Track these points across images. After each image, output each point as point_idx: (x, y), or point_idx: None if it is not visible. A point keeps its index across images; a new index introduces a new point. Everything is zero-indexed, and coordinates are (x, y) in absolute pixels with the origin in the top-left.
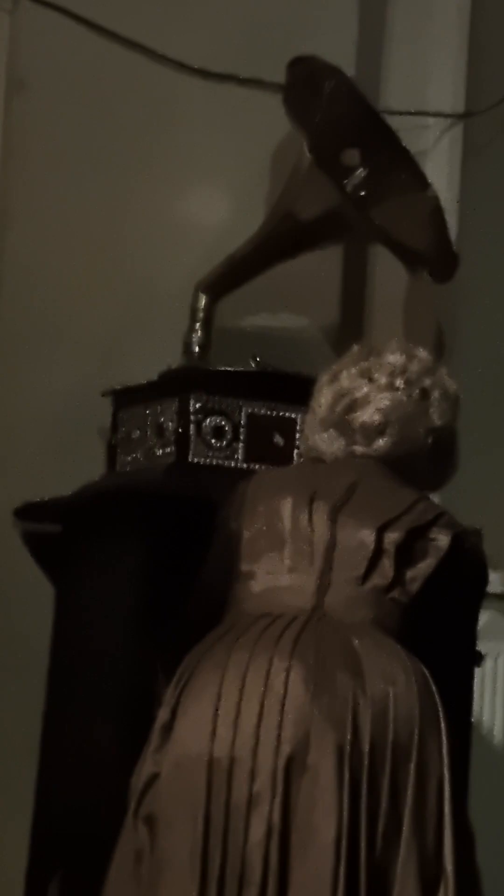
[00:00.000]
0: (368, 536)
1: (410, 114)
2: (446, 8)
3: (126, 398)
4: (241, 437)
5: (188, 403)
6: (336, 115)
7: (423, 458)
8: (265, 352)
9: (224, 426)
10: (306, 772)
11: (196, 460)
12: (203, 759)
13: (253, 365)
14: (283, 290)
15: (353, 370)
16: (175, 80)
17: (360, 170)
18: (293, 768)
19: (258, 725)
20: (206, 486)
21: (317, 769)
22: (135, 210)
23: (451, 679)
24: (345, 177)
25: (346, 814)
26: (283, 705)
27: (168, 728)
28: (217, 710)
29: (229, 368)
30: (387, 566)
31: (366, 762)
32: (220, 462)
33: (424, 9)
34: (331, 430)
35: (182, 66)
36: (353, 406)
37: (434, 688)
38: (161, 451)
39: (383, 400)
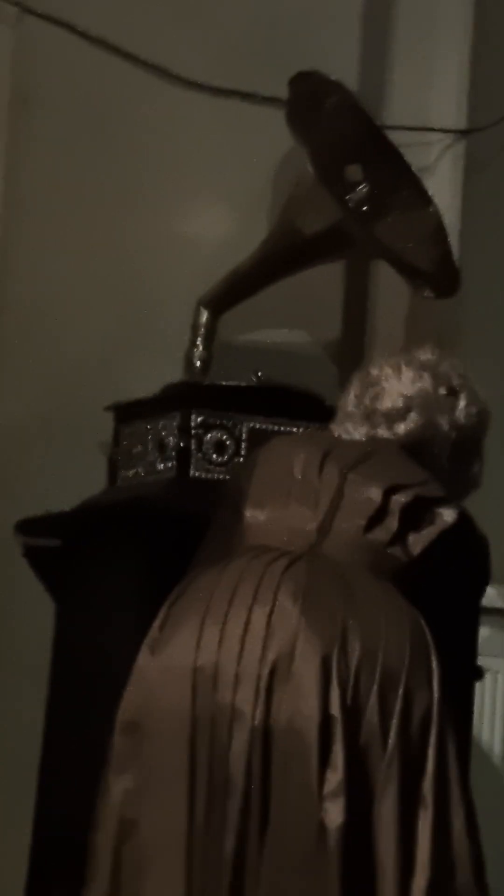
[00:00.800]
0: (376, 494)
1: (413, 129)
2: (449, 24)
3: (127, 413)
4: (243, 452)
5: (189, 418)
6: (338, 130)
7: (443, 457)
8: (267, 367)
9: (225, 441)
10: (289, 681)
11: (197, 475)
12: (188, 668)
13: (254, 380)
14: (285, 305)
15: (383, 364)
16: (178, 95)
17: (363, 185)
18: (277, 676)
19: (244, 635)
20: (207, 502)
21: (300, 677)
22: (137, 225)
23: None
24: (347, 192)
25: (332, 727)
26: (270, 616)
27: (155, 641)
28: (204, 621)
29: (231, 383)
30: (390, 523)
31: (352, 679)
32: (221, 477)
33: (427, 25)
34: (356, 421)
35: (185, 82)
36: (380, 395)
37: (425, 627)
38: (162, 465)
39: (409, 387)
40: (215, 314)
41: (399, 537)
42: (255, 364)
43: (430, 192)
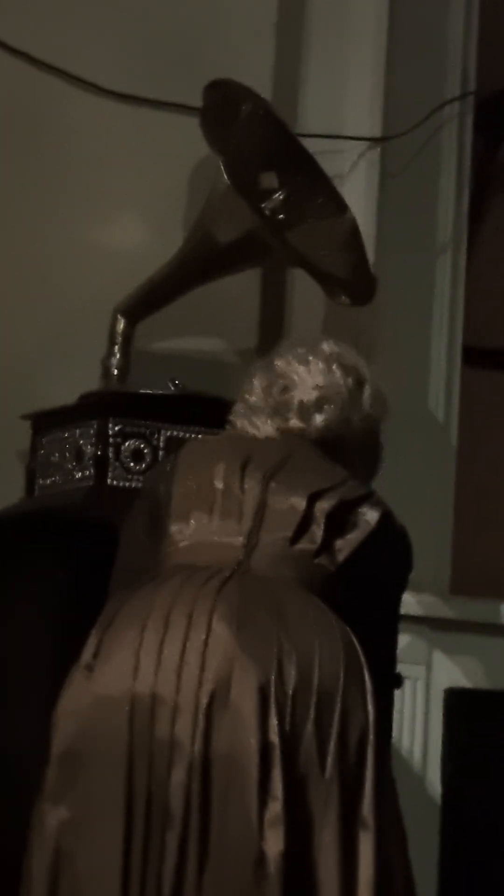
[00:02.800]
0: (299, 502)
1: (328, 137)
2: (363, 32)
3: (45, 422)
4: (160, 461)
5: (107, 427)
6: (253, 138)
7: (353, 448)
8: (184, 375)
9: (143, 449)
10: (227, 709)
11: (115, 483)
12: (125, 697)
13: (171, 388)
14: (202, 313)
15: (289, 356)
16: (93, 102)
17: (278, 193)
18: (215, 706)
19: (181, 663)
20: (125, 510)
21: (238, 706)
22: (53, 233)
23: (373, 657)
24: (262, 200)
25: (270, 755)
26: (206, 643)
27: (89, 668)
28: (139, 648)
29: (148, 391)
30: (315, 532)
31: (289, 704)
32: (139, 485)
33: (341, 33)
34: (263, 414)
35: (99, 89)
36: (290, 387)
37: (357, 643)
38: (80, 474)
39: (320, 379)
40: (132, 322)
41: (325, 545)
42: (172, 372)
43: (346, 200)
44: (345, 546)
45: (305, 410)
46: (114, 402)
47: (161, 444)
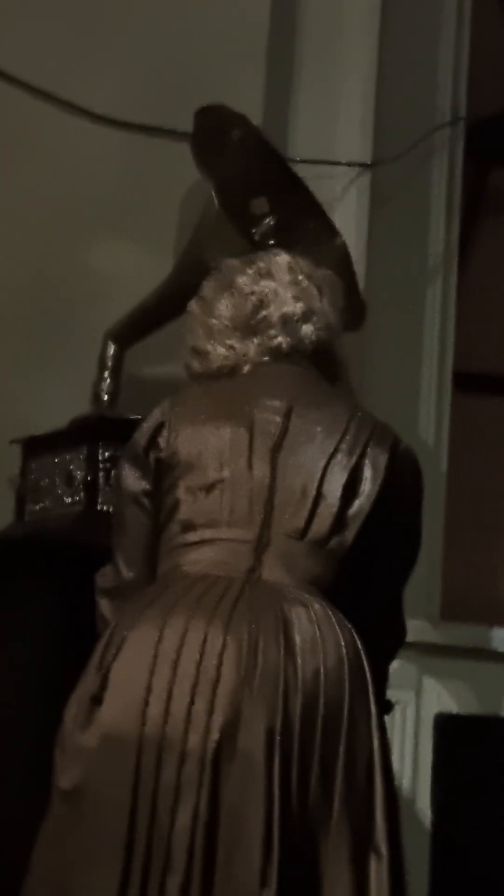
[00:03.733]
0: (310, 483)
1: (318, 162)
2: (354, 58)
3: (35, 446)
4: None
5: (97, 451)
6: (244, 163)
7: (339, 355)
8: None
9: None
10: (235, 757)
11: (105, 508)
12: (134, 740)
13: None
14: None
15: (250, 273)
16: (84, 128)
17: (269, 218)
18: (223, 753)
19: (189, 708)
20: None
21: (246, 755)
22: (43, 257)
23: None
24: (253, 225)
25: (276, 804)
26: (215, 688)
27: (97, 701)
28: (149, 689)
29: (138, 417)
30: (325, 516)
31: (296, 745)
32: None
33: (332, 59)
34: (239, 336)
35: (90, 115)
36: (264, 303)
37: (364, 657)
38: (70, 499)
39: (295, 290)
40: (122, 347)
41: (336, 525)
42: (162, 397)
43: (336, 225)
44: (357, 515)
45: (290, 324)
46: (104, 427)
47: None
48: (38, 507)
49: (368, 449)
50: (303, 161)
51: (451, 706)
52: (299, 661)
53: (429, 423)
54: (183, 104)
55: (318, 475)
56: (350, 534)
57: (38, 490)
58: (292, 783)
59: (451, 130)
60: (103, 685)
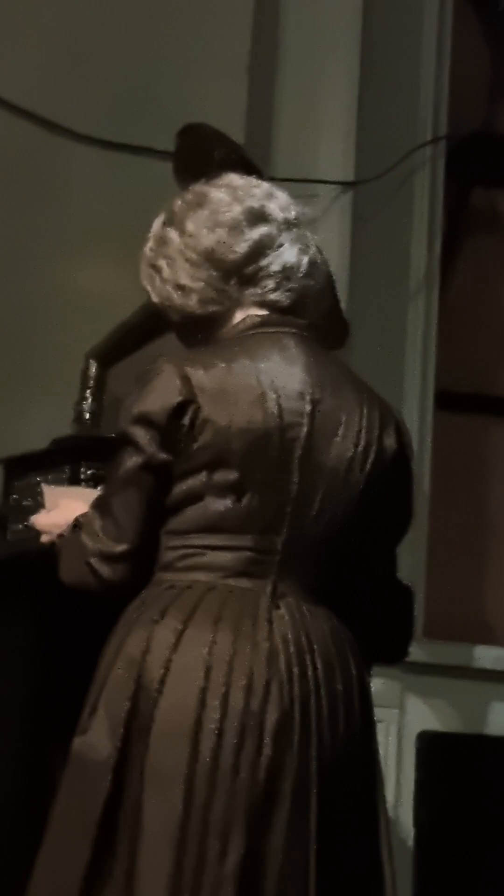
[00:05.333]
0: (332, 486)
1: (300, 181)
2: (336, 77)
3: (17, 466)
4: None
5: (79, 471)
6: None
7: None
8: None
9: None
10: (279, 799)
11: None
12: (181, 774)
13: None
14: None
15: (239, 209)
16: (66, 147)
17: None
18: (269, 794)
19: (240, 746)
20: None
21: (291, 797)
22: (26, 277)
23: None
24: None
25: (315, 846)
26: (262, 726)
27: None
28: (200, 721)
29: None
30: (344, 516)
31: (316, 792)
32: None
33: (314, 78)
34: (231, 281)
35: (73, 134)
36: (261, 252)
37: (366, 677)
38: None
39: (296, 239)
40: (105, 366)
41: (354, 532)
42: None
43: (319, 244)
44: (376, 517)
45: (293, 278)
46: (86, 447)
47: None
48: (20, 527)
49: (383, 435)
50: (285, 179)
51: (435, 724)
52: (322, 692)
53: (411, 442)
54: (165, 123)
55: (341, 476)
56: (366, 525)
57: (20, 510)
58: (333, 825)
59: (432, 149)
60: (151, 715)
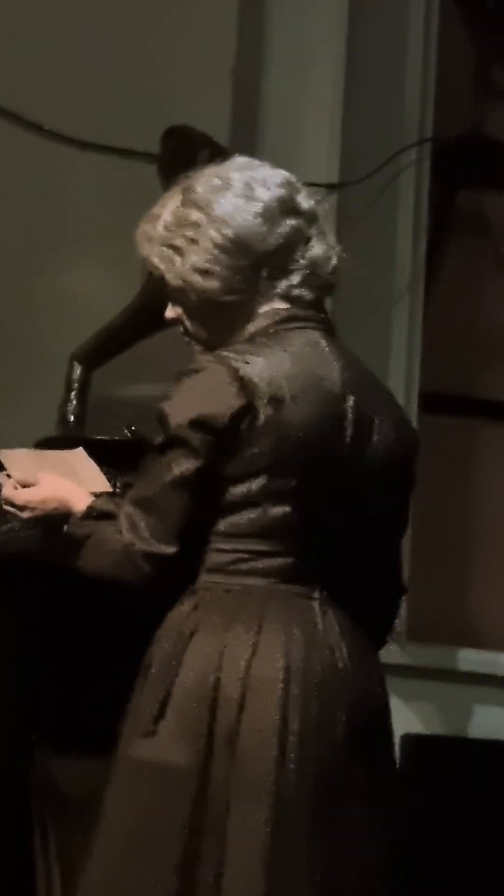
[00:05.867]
0: (370, 499)
1: None
2: (321, 79)
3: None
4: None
5: None
6: None
7: None
8: (140, 422)
9: None
10: (353, 805)
11: (71, 530)
12: (269, 784)
13: (128, 434)
14: (158, 360)
15: (270, 197)
16: (52, 149)
17: None
18: (346, 800)
19: (319, 757)
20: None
21: (361, 801)
22: (11, 279)
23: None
24: None
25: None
26: (335, 739)
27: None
28: (284, 735)
29: (105, 438)
30: (373, 530)
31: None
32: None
33: (299, 79)
34: (258, 272)
35: (59, 137)
36: (293, 245)
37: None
38: (13, 522)
39: (321, 234)
40: (89, 369)
41: (381, 523)
42: (128, 418)
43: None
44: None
45: (320, 271)
46: (71, 449)
47: (117, 490)
48: (4, 528)
49: (403, 435)
50: None
51: (418, 726)
52: (369, 697)
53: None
54: (150, 125)
55: (376, 480)
56: (389, 523)
57: (3, 511)
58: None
59: (417, 151)
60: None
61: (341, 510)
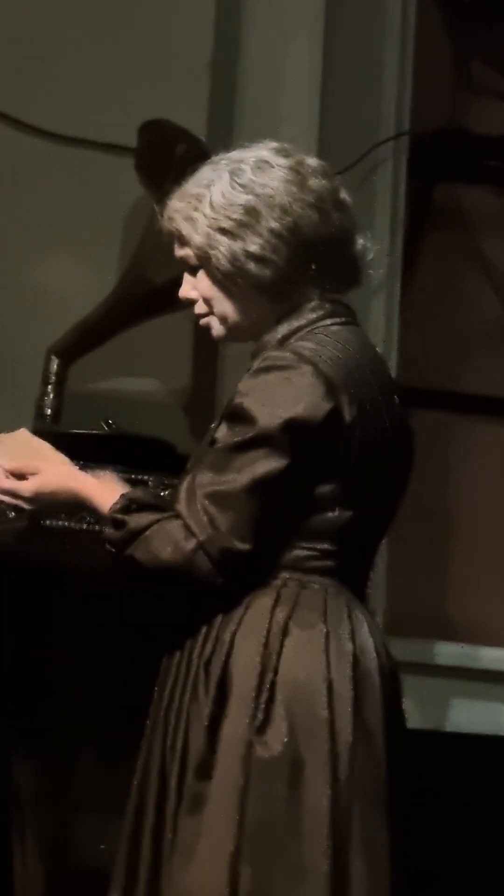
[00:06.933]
0: (391, 501)
1: None
2: (297, 72)
3: None
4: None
5: None
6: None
7: None
8: (117, 415)
9: None
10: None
11: (49, 523)
12: (383, 784)
13: (105, 428)
14: (136, 353)
15: (322, 189)
16: (27, 143)
17: None
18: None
19: (393, 753)
20: (58, 550)
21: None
22: None
23: None
24: None
25: None
26: (397, 735)
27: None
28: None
29: (82, 432)
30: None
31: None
32: (72, 525)
33: (276, 73)
34: (313, 265)
35: (34, 130)
36: (341, 240)
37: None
38: (13, 513)
39: (359, 230)
40: (66, 363)
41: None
42: (105, 412)
43: None
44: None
45: (360, 267)
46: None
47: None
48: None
49: (410, 433)
50: None
51: None
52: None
53: None
54: (127, 119)
55: (397, 480)
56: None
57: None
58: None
59: (394, 145)
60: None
61: (383, 512)
